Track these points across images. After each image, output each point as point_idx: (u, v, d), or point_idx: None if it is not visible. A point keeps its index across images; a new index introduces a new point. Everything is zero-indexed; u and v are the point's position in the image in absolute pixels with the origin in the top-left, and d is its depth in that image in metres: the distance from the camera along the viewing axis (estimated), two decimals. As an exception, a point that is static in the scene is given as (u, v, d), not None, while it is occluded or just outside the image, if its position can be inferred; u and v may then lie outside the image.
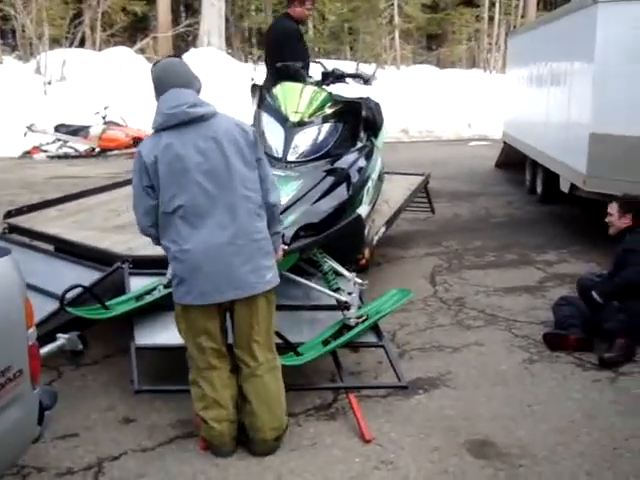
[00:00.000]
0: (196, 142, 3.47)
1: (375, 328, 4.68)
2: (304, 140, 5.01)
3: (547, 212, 10.20)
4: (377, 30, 29.87)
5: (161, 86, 3.56)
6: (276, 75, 5.73)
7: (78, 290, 4.46)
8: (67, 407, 4.21)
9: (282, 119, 5.02)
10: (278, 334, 3.98)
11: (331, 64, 6.51)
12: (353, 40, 31.36)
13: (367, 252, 5.42)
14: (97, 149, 16.57)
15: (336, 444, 3.87)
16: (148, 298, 4.60)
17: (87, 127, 16.51)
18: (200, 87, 3.71)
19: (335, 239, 4.60)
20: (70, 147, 16.68)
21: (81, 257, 5.22)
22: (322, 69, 5.80)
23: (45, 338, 4.22)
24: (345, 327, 4.51)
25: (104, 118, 16.67)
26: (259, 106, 5.29)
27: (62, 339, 4.26)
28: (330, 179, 5.00)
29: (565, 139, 8.84)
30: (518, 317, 5.85)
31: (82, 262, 5.13)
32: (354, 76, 6.19)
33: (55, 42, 25.18)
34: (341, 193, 5.03)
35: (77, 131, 16.55)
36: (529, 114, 11.84)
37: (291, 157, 4.92)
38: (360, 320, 4.56)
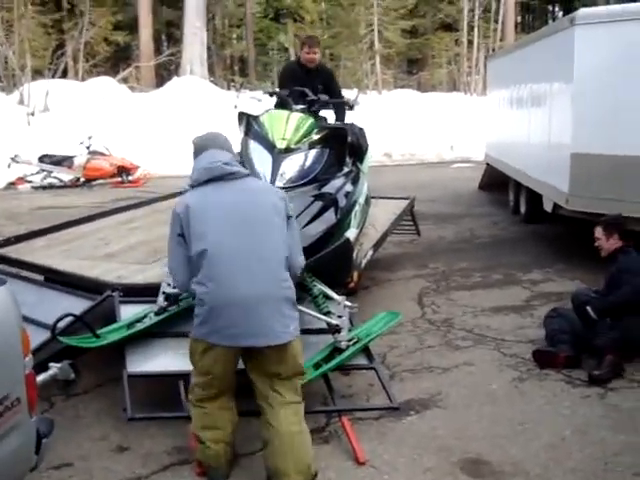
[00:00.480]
0: (231, 193, 3.62)
1: (366, 350, 4.71)
2: (291, 166, 5.07)
3: (531, 232, 10.30)
4: (358, 56, 30.19)
5: (200, 149, 3.78)
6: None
7: (69, 319, 4.47)
8: (60, 437, 4.17)
9: (269, 146, 5.09)
10: None
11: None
12: (335, 66, 31.57)
13: (355, 275, 5.46)
14: (82, 179, 16.57)
15: (330, 467, 3.88)
16: (139, 326, 4.60)
17: (71, 157, 16.53)
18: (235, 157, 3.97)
19: (324, 262, 4.65)
20: (55, 177, 16.68)
21: (71, 286, 5.23)
22: (307, 97, 5.88)
23: (37, 368, 4.23)
24: (336, 350, 4.53)
25: (88, 148, 16.69)
26: (246, 134, 5.35)
27: (54, 368, 4.25)
28: (318, 204, 5.06)
29: (547, 159, 8.96)
30: (506, 336, 5.91)
31: (72, 291, 5.13)
32: (338, 102, 6.28)
33: (38, 73, 25.28)
34: (329, 217, 5.09)
35: (61, 161, 16.57)
36: (510, 136, 11.99)
37: (279, 183, 4.97)
38: (351, 343, 4.58)
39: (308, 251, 4.52)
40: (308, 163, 5.16)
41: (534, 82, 10.03)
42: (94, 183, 16.61)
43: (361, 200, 5.97)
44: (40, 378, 4.15)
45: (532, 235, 10.10)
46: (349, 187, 5.62)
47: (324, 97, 5.90)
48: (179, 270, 3.71)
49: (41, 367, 4.27)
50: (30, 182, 16.60)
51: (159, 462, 3.97)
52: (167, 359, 4.42)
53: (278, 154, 5.06)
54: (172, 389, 4.33)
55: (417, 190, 11.20)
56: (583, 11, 7.91)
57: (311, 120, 5.43)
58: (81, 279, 5.17)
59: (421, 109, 24.61)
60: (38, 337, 4.57)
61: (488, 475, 3.78)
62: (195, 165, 3.73)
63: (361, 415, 4.42)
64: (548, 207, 8.80)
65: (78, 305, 4.88)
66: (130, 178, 16.84)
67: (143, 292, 4.89)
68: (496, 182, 13.57)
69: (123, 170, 16.72)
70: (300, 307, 4.55)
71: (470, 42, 32.62)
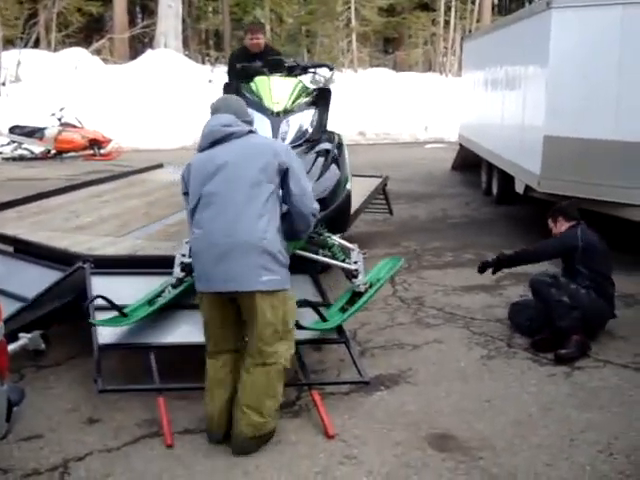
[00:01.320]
0: (224, 152, 3.85)
1: (338, 326, 4.74)
2: (289, 127, 5.14)
3: (503, 213, 10.39)
4: (334, 33, 30.04)
5: (212, 114, 4.04)
6: (237, 77, 5.92)
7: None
8: (30, 409, 4.19)
9: (264, 110, 5.13)
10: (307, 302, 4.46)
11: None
12: (310, 43, 31.47)
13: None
14: (53, 151, 16.40)
15: (301, 440, 3.93)
16: (160, 300, 4.60)
17: (42, 129, 16.32)
18: (250, 122, 4.23)
19: (335, 214, 5.00)
20: (25, 149, 16.49)
21: (42, 258, 5.20)
22: (285, 63, 5.93)
23: (8, 338, 4.22)
24: (356, 294, 4.91)
25: (60, 120, 16.50)
26: None
27: (25, 338, 4.26)
28: (321, 159, 5.18)
29: (520, 141, 9.02)
30: (476, 315, 5.98)
31: (43, 262, 5.11)
32: (318, 66, 6.33)
33: (9, 43, 24.88)
34: (335, 171, 5.24)
35: (32, 133, 16.36)
36: (484, 117, 12.04)
37: None
38: (367, 286, 4.94)
39: (324, 202, 4.76)
40: (303, 123, 5.24)
41: (509, 64, 10.07)
42: (65, 156, 16.46)
43: (347, 157, 6.06)
44: (10, 348, 4.15)
45: (503, 216, 10.19)
46: (338, 144, 5.69)
47: (303, 63, 5.97)
48: (190, 226, 3.98)
49: (12, 337, 4.28)
50: (0, 153, 16.38)
51: (130, 434, 3.98)
52: (139, 330, 4.42)
53: (275, 117, 5.12)
54: (144, 360, 4.36)
55: (390, 169, 11.23)
56: (560, -6, 7.93)
57: (301, 83, 5.50)
58: (51, 250, 5.14)
59: (396, 89, 24.62)
60: (8, 307, 4.57)
61: (455, 449, 3.84)
62: (202, 131, 3.96)
63: (332, 390, 4.46)
64: (520, 189, 8.88)
65: (48, 276, 4.87)
66: (102, 151, 16.71)
67: (115, 264, 4.88)
68: (469, 163, 13.65)
69: (95, 143, 16.58)
70: (319, 257, 4.95)
71: (447, 22, 32.62)
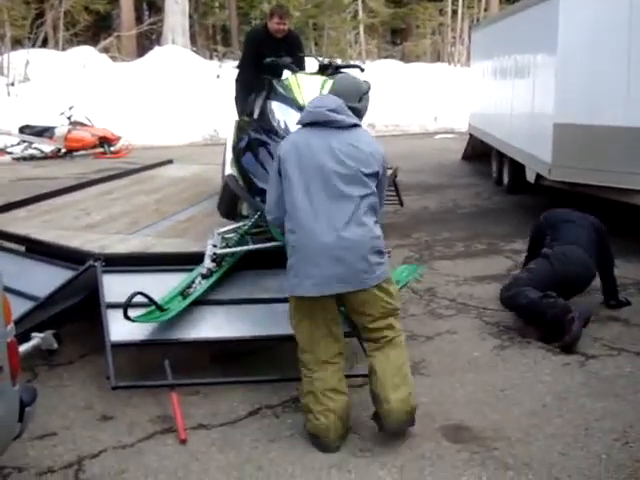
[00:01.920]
0: (332, 143, 3.70)
1: (349, 319, 4.72)
2: None
3: (514, 202, 10.34)
4: (342, 25, 29.95)
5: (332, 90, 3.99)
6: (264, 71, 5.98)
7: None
8: (44, 407, 4.18)
9: (297, 106, 5.12)
10: None
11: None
12: (318, 36, 31.37)
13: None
14: (63, 150, 16.42)
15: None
16: (192, 292, 4.61)
17: (52, 128, 16.34)
18: (362, 109, 4.11)
19: None
20: (35, 148, 16.52)
21: (52, 256, 5.21)
22: (318, 62, 5.95)
23: (20, 338, 4.23)
24: None
25: (69, 118, 16.51)
26: (268, 97, 5.36)
27: (37, 338, 4.27)
28: None
29: (530, 130, 8.98)
30: (488, 305, 5.95)
31: (54, 261, 5.11)
32: (350, 66, 6.33)
33: (17, 43, 24.91)
34: None
35: (42, 132, 16.38)
36: (494, 106, 11.99)
37: None
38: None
39: None
40: None
41: (518, 52, 10.02)
42: (76, 154, 16.47)
43: None
44: (23, 348, 4.16)
45: (515, 205, 10.14)
46: None
47: (336, 62, 5.98)
48: (275, 207, 3.83)
49: (24, 337, 4.28)
50: (10, 153, 16.45)
51: (144, 430, 3.98)
52: (151, 328, 4.42)
53: None
54: (156, 357, 4.37)
55: (401, 161, 11.17)
56: (567, -19, 7.87)
57: (331, 81, 5.49)
58: (62, 249, 5.14)
59: (405, 80, 24.55)
60: (20, 307, 4.58)
61: (470, 440, 3.82)
62: (308, 105, 3.90)
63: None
64: (531, 177, 8.84)
65: (60, 275, 4.87)
66: (112, 149, 16.71)
67: (126, 261, 4.88)
68: (479, 153, 13.60)
69: (105, 141, 16.57)
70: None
71: (454, 12, 32.46)
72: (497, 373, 4.66)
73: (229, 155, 5.37)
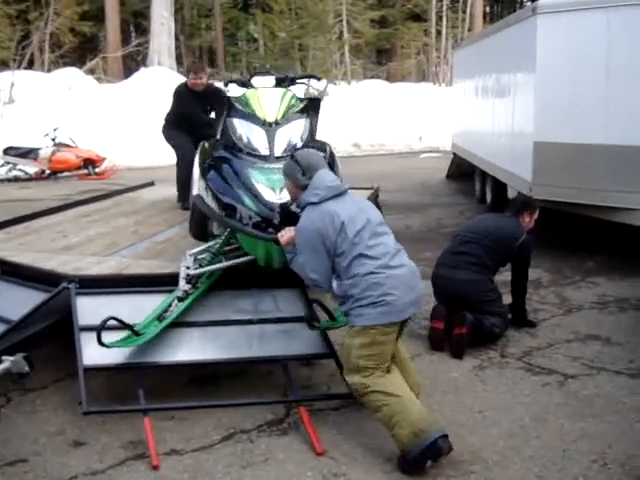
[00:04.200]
0: (353, 205, 4.08)
1: (326, 339, 4.69)
2: (285, 137, 5.13)
3: (497, 221, 10.31)
4: (327, 46, 30.09)
5: (312, 168, 4.14)
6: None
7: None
8: (16, 433, 4.16)
9: (258, 121, 5.14)
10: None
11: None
12: (303, 56, 31.53)
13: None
14: (47, 171, 16.35)
15: (289, 459, 3.86)
16: (169, 315, 4.55)
17: (37, 149, 16.28)
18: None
19: None
20: (20, 170, 16.43)
21: (28, 279, 5.14)
22: (274, 75, 5.94)
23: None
24: None
25: (54, 140, 16.45)
26: (228, 115, 5.35)
27: (7, 361, 4.18)
28: None
29: (511, 148, 9.00)
30: (468, 325, 5.90)
31: (28, 284, 5.04)
32: (305, 77, 6.34)
33: (3, 64, 24.86)
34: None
35: (26, 153, 16.31)
36: (476, 125, 12.03)
37: (278, 153, 5.03)
38: None
39: None
40: (297, 133, 5.24)
41: (498, 71, 10.06)
42: (60, 175, 16.40)
43: (339, 166, 6.08)
44: (-8, 371, 4.09)
45: (498, 224, 10.12)
46: (330, 154, 5.69)
47: (291, 74, 5.97)
48: (325, 280, 4.03)
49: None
50: (-6, 175, 16.36)
51: (115, 456, 3.92)
52: (125, 351, 4.35)
53: (270, 127, 5.13)
54: (130, 381, 4.30)
55: (385, 180, 11.21)
56: (545, 0, 7.91)
57: (291, 93, 5.50)
58: (37, 271, 5.07)
59: (390, 99, 24.64)
60: (-7, 330, 4.54)
61: (446, 464, 3.76)
62: (317, 183, 4.07)
63: (320, 406, 4.40)
64: (513, 196, 8.83)
65: (34, 297, 4.80)
66: (97, 170, 16.65)
67: (100, 283, 4.82)
68: (463, 171, 13.63)
69: (90, 162, 16.51)
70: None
71: (439, 32, 32.71)
72: (476, 394, 4.62)
73: (195, 176, 5.35)
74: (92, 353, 4.30)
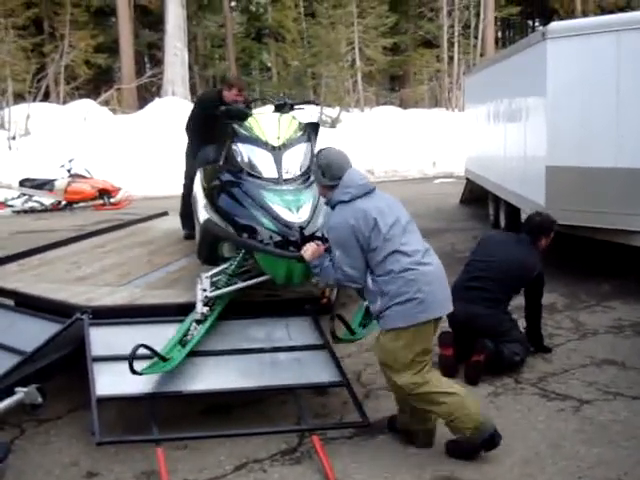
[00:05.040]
0: (383, 202, 4.15)
1: (339, 368, 4.68)
2: (291, 160, 5.20)
3: (511, 245, 10.27)
4: (339, 74, 30.26)
5: (340, 167, 4.19)
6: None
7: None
8: (30, 464, 4.17)
9: (265, 145, 5.21)
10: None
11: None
12: (316, 84, 31.71)
13: (327, 291, 5.46)
14: (63, 202, 16.48)
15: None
16: (190, 339, 4.59)
17: (52, 180, 16.44)
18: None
19: None
20: (36, 201, 16.57)
21: (42, 310, 5.18)
22: (272, 102, 6.02)
23: (5, 393, 4.19)
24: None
25: (69, 171, 16.60)
26: (232, 141, 5.41)
27: (21, 393, 4.21)
28: None
29: (523, 173, 8.99)
30: (483, 351, 5.87)
31: (42, 315, 5.08)
32: (305, 103, 6.40)
33: (19, 97, 25.19)
34: None
35: (42, 185, 16.47)
36: (488, 150, 12.03)
37: (285, 176, 5.09)
38: None
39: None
40: (301, 156, 5.31)
41: (509, 96, 10.08)
42: (76, 206, 16.52)
43: None
44: (6, 403, 4.12)
45: (512, 249, 10.08)
46: None
47: (290, 101, 6.04)
48: (361, 274, 4.08)
49: (8, 392, 4.23)
50: (11, 206, 16.49)
51: (129, 487, 3.92)
52: (137, 381, 4.36)
53: (276, 151, 5.20)
54: (143, 411, 4.30)
55: (398, 206, 11.16)
56: (555, 25, 7.96)
57: (293, 118, 5.59)
58: (50, 302, 5.12)
59: (403, 125, 24.73)
60: (6, 361, 4.55)
61: (461, 492, 3.74)
62: (347, 181, 4.13)
63: (334, 434, 4.38)
64: (526, 220, 8.81)
65: (48, 329, 4.83)
66: (112, 200, 16.77)
67: (113, 314, 4.84)
68: (477, 196, 13.61)
69: (105, 192, 16.65)
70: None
71: (451, 58, 32.81)
72: (490, 421, 4.58)
73: (200, 202, 5.39)
74: (105, 383, 4.33)
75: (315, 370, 4.66)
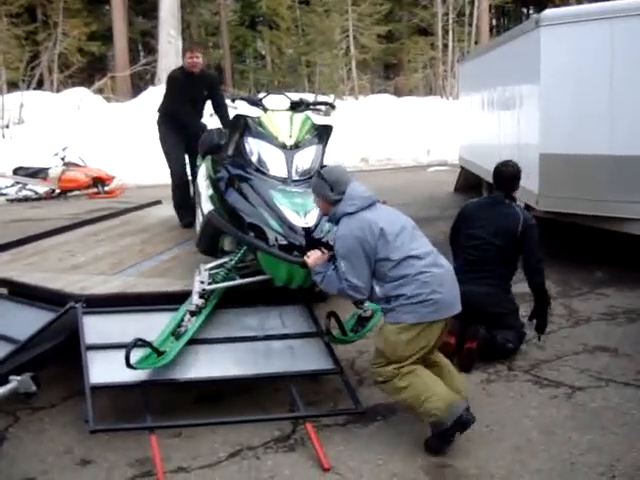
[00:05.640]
0: (386, 214, 4.24)
1: (332, 356, 4.70)
2: (302, 160, 5.20)
3: (505, 233, 10.28)
4: (334, 62, 30.20)
5: (340, 183, 4.26)
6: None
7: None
8: (23, 452, 4.18)
9: (276, 143, 5.20)
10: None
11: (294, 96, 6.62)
12: (311, 72, 31.66)
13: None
14: (57, 190, 16.43)
15: (296, 475, 3.86)
16: (184, 331, 4.58)
17: (46, 169, 16.38)
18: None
19: None
20: (30, 190, 16.53)
21: (35, 299, 5.17)
22: (289, 99, 5.98)
23: (-1, 382, 4.20)
24: (363, 319, 5.08)
25: (63, 159, 16.57)
26: (242, 134, 5.39)
27: (15, 381, 4.21)
28: None
29: (517, 160, 8.93)
30: (476, 338, 5.89)
31: (35, 304, 5.07)
32: (321, 103, 6.41)
33: (12, 85, 25.06)
34: None
35: (36, 173, 16.41)
36: (482, 138, 12.02)
37: (295, 176, 5.10)
38: (372, 311, 5.06)
39: None
40: (312, 158, 5.30)
41: (503, 84, 10.06)
42: (70, 194, 16.49)
43: None
44: (0, 391, 4.12)
45: (506, 236, 10.09)
46: None
47: (307, 99, 6.03)
48: (367, 285, 4.13)
49: (2, 380, 4.24)
50: (5, 195, 16.46)
51: (122, 475, 3.93)
52: (130, 369, 4.36)
53: (289, 150, 5.19)
54: (137, 399, 4.31)
55: (393, 194, 11.20)
56: (548, 12, 7.93)
57: (308, 118, 5.57)
58: (43, 291, 5.11)
59: (398, 114, 24.67)
60: (0, 350, 4.56)
61: (452, 479, 3.75)
62: (351, 194, 4.20)
63: (327, 422, 4.40)
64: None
65: (41, 317, 4.83)
66: (106, 189, 16.74)
67: (106, 302, 4.84)
68: (471, 184, 13.60)
69: (99, 181, 16.60)
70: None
71: (445, 46, 32.72)
72: (483, 408, 4.57)
73: (205, 192, 5.37)
74: (99, 372, 4.33)
75: (309, 358, 4.67)
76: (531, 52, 8.04)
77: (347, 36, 31.02)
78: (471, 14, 32.68)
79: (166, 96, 7.66)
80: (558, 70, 7.61)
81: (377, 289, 4.12)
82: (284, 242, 4.56)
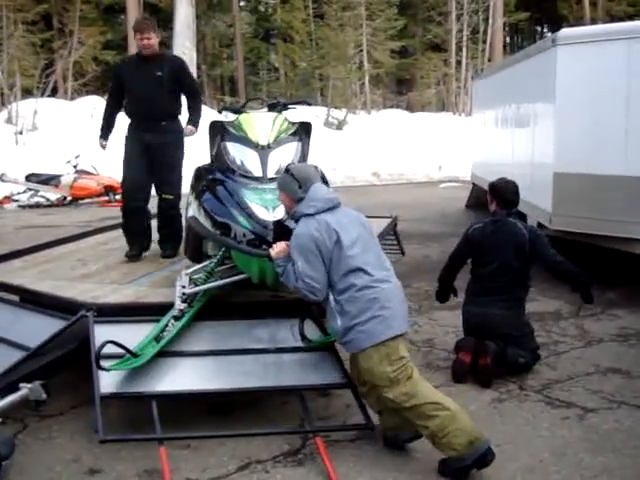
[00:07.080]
0: (346, 218, 4.22)
1: (343, 370, 4.67)
2: (277, 159, 5.22)
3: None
4: (347, 76, 30.27)
5: (309, 181, 4.28)
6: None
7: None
8: (32, 459, 4.16)
9: (251, 144, 5.24)
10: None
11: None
12: (324, 86, 31.73)
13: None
14: (68, 198, 16.52)
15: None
16: (166, 335, 4.57)
17: (58, 176, 16.48)
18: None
19: None
20: (41, 196, 16.63)
21: (46, 307, 5.17)
22: (265, 101, 6.05)
23: (9, 388, 4.19)
24: None
25: (75, 167, 16.66)
26: (222, 139, 5.42)
27: (25, 389, 4.20)
28: None
29: (530, 179, 8.97)
30: (487, 357, 5.85)
31: (47, 312, 5.07)
32: (298, 102, 6.41)
33: (27, 92, 25.21)
34: None
35: (48, 180, 16.51)
36: (495, 155, 12.02)
37: (270, 174, 5.11)
38: None
39: None
40: (289, 156, 5.32)
41: (517, 102, 10.07)
42: (81, 202, 16.56)
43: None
44: (10, 398, 4.11)
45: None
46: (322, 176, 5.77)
47: (283, 100, 6.06)
48: (323, 288, 4.10)
49: (12, 387, 4.23)
50: (17, 201, 16.56)
51: (130, 485, 3.91)
52: (141, 379, 4.35)
53: (263, 150, 5.22)
54: (147, 410, 4.29)
55: (404, 210, 11.20)
56: (565, 31, 7.95)
57: (283, 117, 5.62)
58: (55, 299, 5.11)
59: (410, 129, 24.73)
60: (11, 357, 4.55)
61: (464, 498, 3.72)
62: (313, 195, 4.21)
63: (337, 437, 4.37)
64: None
65: (52, 325, 4.82)
66: (117, 197, 16.72)
67: (117, 311, 4.84)
68: (483, 201, 13.55)
69: (110, 189, 16.66)
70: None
71: (458, 62, 32.82)
72: (494, 427, 4.55)
73: (190, 199, 5.41)
74: (109, 381, 4.31)
75: (319, 371, 4.64)
76: (547, 71, 8.04)
77: (361, 50, 31.13)
78: (485, 31, 32.76)
79: (113, 80, 6.69)
80: (574, 89, 7.62)
81: (331, 299, 4.09)
82: (252, 237, 4.57)
